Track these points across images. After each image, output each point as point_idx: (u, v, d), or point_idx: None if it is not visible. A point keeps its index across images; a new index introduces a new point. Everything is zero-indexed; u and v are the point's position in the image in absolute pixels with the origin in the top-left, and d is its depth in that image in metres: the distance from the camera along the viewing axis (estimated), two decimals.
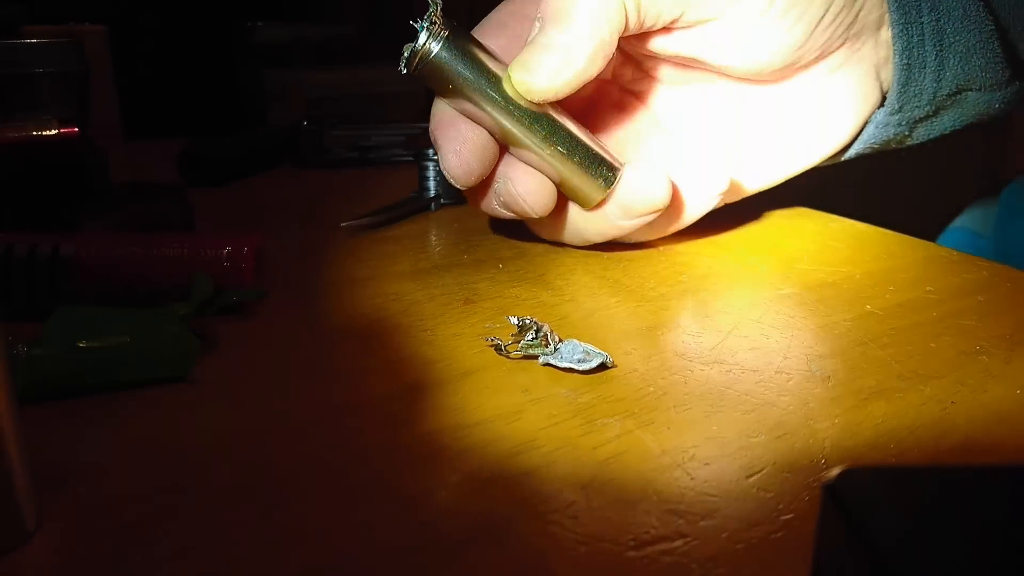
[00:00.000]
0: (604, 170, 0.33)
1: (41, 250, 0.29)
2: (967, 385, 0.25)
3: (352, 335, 0.29)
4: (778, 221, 0.42)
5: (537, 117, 0.32)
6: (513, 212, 0.34)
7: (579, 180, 0.33)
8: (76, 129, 0.36)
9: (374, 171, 0.59)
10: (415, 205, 0.45)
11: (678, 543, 0.18)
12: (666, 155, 0.38)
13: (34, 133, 0.35)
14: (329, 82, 0.73)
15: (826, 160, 0.38)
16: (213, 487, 0.20)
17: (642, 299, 0.32)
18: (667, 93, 0.38)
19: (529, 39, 0.32)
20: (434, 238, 0.41)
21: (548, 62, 0.30)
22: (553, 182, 0.33)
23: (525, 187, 0.33)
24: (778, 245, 0.38)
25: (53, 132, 0.35)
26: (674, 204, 0.34)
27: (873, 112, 0.36)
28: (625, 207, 0.33)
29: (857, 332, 0.28)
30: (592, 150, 0.33)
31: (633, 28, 0.32)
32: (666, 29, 0.33)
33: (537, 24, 0.31)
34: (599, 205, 0.34)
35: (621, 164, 0.33)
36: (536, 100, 0.31)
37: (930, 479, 0.13)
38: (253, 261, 0.31)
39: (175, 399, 0.24)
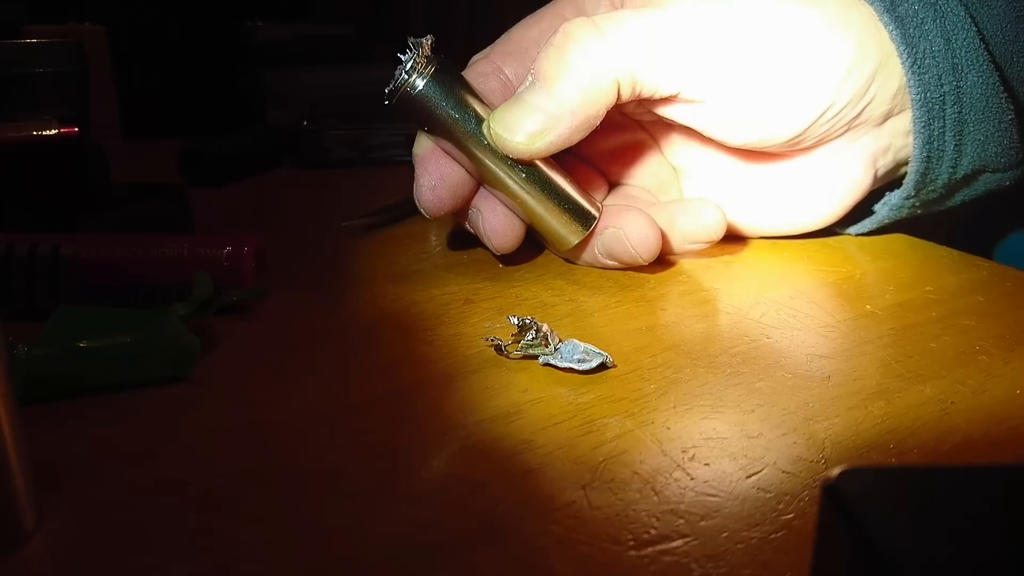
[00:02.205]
0: (579, 216, 0.33)
1: (41, 250, 0.29)
2: (967, 385, 0.25)
3: (352, 335, 0.29)
4: None
5: (513, 163, 0.32)
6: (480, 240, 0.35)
7: (553, 225, 0.33)
8: (76, 129, 0.36)
9: (374, 171, 0.59)
10: (415, 205, 0.45)
11: (678, 543, 0.18)
12: (665, 185, 0.38)
13: (34, 133, 0.35)
14: (329, 82, 0.73)
15: (828, 226, 0.38)
16: (213, 487, 0.20)
17: (642, 299, 0.32)
18: (669, 130, 0.38)
19: (517, 92, 0.31)
20: (434, 238, 0.41)
21: (529, 124, 0.30)
22: (526, 223, 0.34)
23: (492, 225, 0.33)
24: (778, 245, 0.38)
25: (53, 132, 0.35)
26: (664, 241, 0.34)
27: (863, 195, 0.36)
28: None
29: (857, 332, 0.28)
30: (569, 197, 0.33)
31: (627, 99, 0.32)
32: (664, 99, 0.33)
33: (529, 78, 0.31)
34: (574, 250, 0.34)
35: (600, 211, 0.33)
36: (512, 156, 0.31)
37: (930, 479, 0.13)
38: (253, 261, 0.31)
39: (175, 399, 0.24)
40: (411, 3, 1.13)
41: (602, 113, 0.31)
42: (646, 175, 0.38)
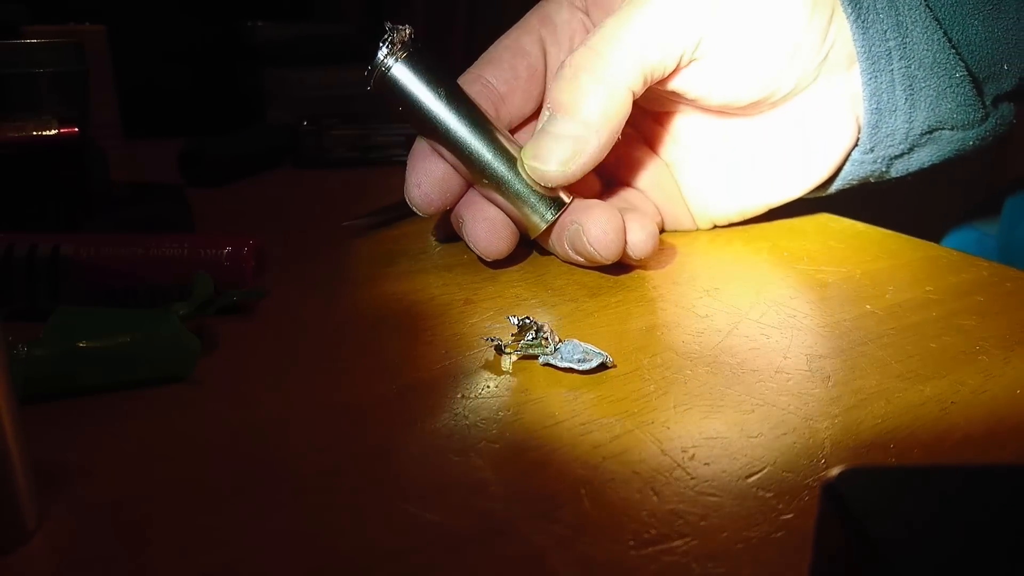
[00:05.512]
0: (549, 201, 0.33)
1: (41, 250, 0.29)
2: (967, 385, 0.25)
3: (352, 335, 0.29)
4: (778, 221, 0.42)
5: (484, 147, 0.33)
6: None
7: (523, 209, 0.34)
8: (76, 129, 0.36)
9: (374, 171, 0.59)
10: None
11: (678, 543, 0.18)
12: (660, 182, 0.39)
13: (34, 133, 0.35)
14: (329, 82, 0.73)
15: (809, 193, 0.39)
16: (213, 487, 0.20)
17: (642, 299, 0.32)
18: (657, 126, 0.39)
19: (539, 127, 0.33)
20: (434, 238, 0.41)
21: (559, 152, 0.32)
22: (503, 209, 0.34)
23: (473, 231, 0.34)
24: (778, 245, 0.38)
25: (53, 132, 0.35)
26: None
27: (853, 146, 0.37)
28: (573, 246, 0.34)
29: (857, 332, 0.28)
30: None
31: (642, 91, 0.33)
32: (673, 72, 0.34)
33: (546, 112, 0.32)
34: (550, 243, 0.35)
35: (571, 197, 0.34)
36: (550, 185, 0.33)
37: (930, 479, 0.13)
38: (253, 261, 0.31)
39: (175, 399, 0.24)
40: (411, 3, 1.13)
41: (622, 124, 0.32)
42: (639, 174, 0.39)
